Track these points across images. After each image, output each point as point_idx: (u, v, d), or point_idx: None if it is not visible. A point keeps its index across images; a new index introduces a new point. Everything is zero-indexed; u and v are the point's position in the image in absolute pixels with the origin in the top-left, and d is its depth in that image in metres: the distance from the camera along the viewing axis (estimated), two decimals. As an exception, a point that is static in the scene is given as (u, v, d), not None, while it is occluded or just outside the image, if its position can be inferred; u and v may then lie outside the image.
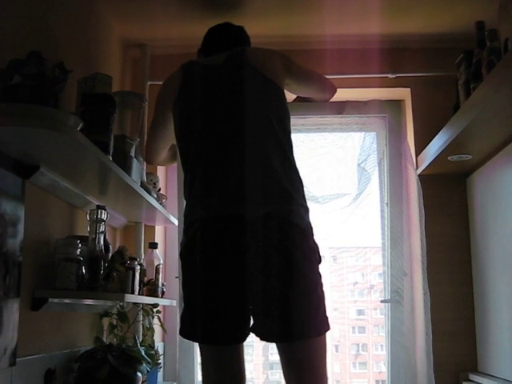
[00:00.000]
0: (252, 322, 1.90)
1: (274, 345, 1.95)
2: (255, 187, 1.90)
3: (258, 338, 1.93)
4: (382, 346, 2.99)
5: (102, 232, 2.08)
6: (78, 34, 2.40)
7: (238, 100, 2.01)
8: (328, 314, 1.91)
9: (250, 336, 1.97)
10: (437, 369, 2.67)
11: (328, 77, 2.45)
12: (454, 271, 2.86)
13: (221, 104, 2.03)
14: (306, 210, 1.96)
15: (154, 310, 2.71)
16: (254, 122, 1.99)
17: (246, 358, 2.01)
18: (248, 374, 2.00)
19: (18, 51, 1.68)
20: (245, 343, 2.00)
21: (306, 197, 2.01)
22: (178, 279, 2.80)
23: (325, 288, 1.91)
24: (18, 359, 1.73)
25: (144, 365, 2.29)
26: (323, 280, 1.92)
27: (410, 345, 2.81)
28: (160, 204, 2.62)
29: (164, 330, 2.86)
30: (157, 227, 3.02)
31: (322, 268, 1.93)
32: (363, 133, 3.11)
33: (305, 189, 2.01)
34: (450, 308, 2.82)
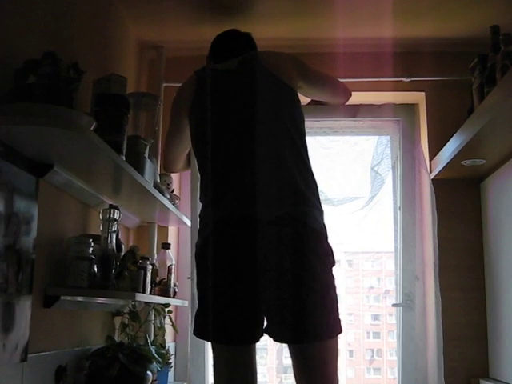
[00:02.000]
0: (265, 323, 1.92)
1: (288, 348, 1.96)
2: (270, 189, 1.91)
3: (272, 342, 1.94)
4: (396, 351, 2.98)
5: (115, 231, 2.10)
6: (95, 35, 2.43)
7: (253, 104, 2.03)
8: (341, 317, 1.92)
9: (264, 339, 1.98)
10: (448, 374, 2.66)
11: (342, 80, 2.45)
12: (467, 276, 2.84)
13: (236, 108, 2.05)
14: (321, 212, 1.97)
15: (166, 309, 2.72)
16: (269, 126, 2.00)
17: (260, 361, 2.02)
18: (262, 378, 2.00)
19: (34, 52, 1.70)
20: (259, 346, 2.01)
21: (320, 199, 2.02)
22: (190, 280, 2.83)
23: (340, 292, 1.92)
24: (29, 355, 1.75)
25: (154, 364, 2.31)
26: (338, 284, 1.93)
27: (420, 349, 2.80)
28: (173, 205, 2.63)
29: (175, 330, 2.88)
30: (170, 228, 3.04)
31: (337, 272, 1.94)
32: (377, 136, 3.12)
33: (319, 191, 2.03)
34: (462, 313, 2.80)
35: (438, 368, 2.66)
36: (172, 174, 2.80)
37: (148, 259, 2.37)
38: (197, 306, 2.00)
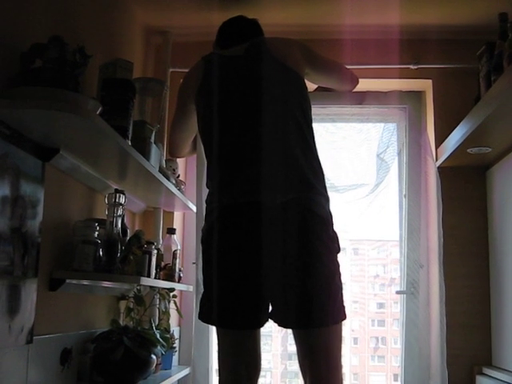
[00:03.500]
0: (271, 309, 1.93)
1: (292, 334, 1.97)
2: (276, 175, 1.92)
3: (277, 328, 1.95)
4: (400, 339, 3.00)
5: (120, 216, 2.11)
6: (102, 19, 2.43)
7: (260, 90, 2.03)
8: (345, 304, 1.93)
9: (269, 326, 1.99)
10: (451, 362, 2.66)
11: (349, 67, 2.45)
12: (471, 264, 2.84)
13: (242, 95, 2.05)
14: (327, 198, 1.98)
15: (171, 294, 2.74)
16: (276, 112, 2.01)
17: (265, 347, 2.04)
18: (266, 364, 2.02)
19: (41, 36, 1.71)
20: (264, 333, 2.02)
21: (326, 186, 2.02)
22: (194, 265, 2.84)
23: (345, 280, 1.92)
24: (34, 337, 1.77)
25: (159, 347, 2.33)
26: (344, 272, 1.94)
27: (424, 337, 2.81)
28: (178, 190, 2.64)
29: (180, 315, 2.90)
30: (175, 213, 3.05)
31: (343, 260, 1.95)
32: (383, 124, 3.11)
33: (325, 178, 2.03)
34: (466, 301, 2.81)
35: (440, 355, 2.67)
36: (178, 160, 2.81)
37: (153, 244, 2.38)
38: (201, 290, 2.02)
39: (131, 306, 2.59)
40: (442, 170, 2.84)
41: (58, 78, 1.60)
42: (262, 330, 2.02)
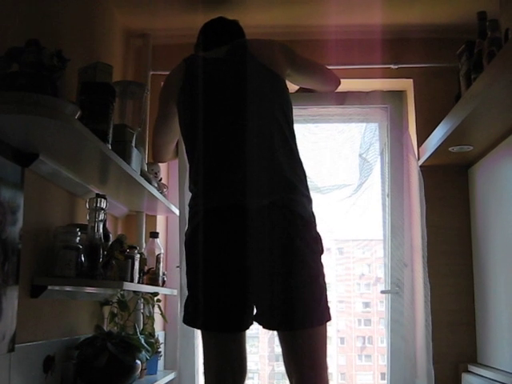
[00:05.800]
0: (255, 311, 1.92)
1: (277, 337, 1.97)
2: (259, 178, 1.92)
3: (263, 330, 1.96)
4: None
5: (102, 220, 2.10)
6: (80, 22, 2.40)
7: (241, 92, 2.03)
8: (330, 304, 1.93)
9: (255, 328, 1.98)
10: (436, 360, 2.67)
11: (330, 67, 2.45)
12: (455, 262, 2.85)
13: (224, 97, 2.04)
14: (309, 200, 1.98)
15: (155, 298, 2.72)
16: (257, 114, 2.01)
17: (252, 349, 2.03)
18: (253, 366, 2.01)
19: (18, 39, 1.68)
20: (250, 335, 2.01)
21: (309, 187, 2.02)
22: (178, 269, 2.82)
23: (331, 280, 1.92)
24: (16, 345, 1.74)
25: (143, 353, 2.31)
26: (329, 272, 1.93)
27: (409, 336, 2.81)
28: (161, 193, 2.62)
29: (164, 319, 2.88)
30: (158, 217, 3.03)
31: (328, 260, 1.94)
32: (365, 124, 3.12)
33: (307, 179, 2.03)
34: (450, 299, 2.82)
35: (426, 354, 2.68)
36: (160, 163, 2.79)
37: (136, 248, 2.36)
38: (186, 294, 2.00)
39: (115, 311, 2.57)
40: (424, 169, 2.85)
41: (35, 83, 1.58)
42: (249, 331, 2.01)
